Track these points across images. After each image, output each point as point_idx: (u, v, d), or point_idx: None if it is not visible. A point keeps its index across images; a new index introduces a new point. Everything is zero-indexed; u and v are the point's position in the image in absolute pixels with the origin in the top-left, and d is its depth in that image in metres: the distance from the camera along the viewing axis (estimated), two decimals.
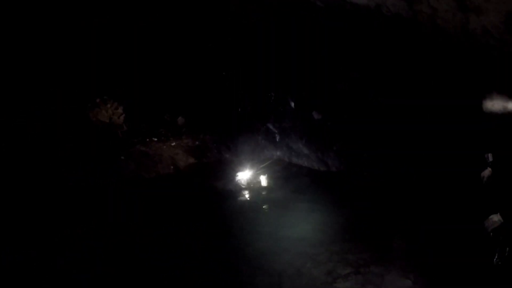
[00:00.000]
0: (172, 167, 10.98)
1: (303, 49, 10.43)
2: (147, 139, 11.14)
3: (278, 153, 11.65)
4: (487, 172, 6.16)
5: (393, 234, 6.94)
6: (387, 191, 8.68)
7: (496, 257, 5.72)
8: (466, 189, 7.61)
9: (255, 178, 10.25)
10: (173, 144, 11.42)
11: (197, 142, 11.74)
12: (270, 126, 11.60)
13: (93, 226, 7.53)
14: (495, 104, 6.32)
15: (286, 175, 10.35)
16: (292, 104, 11.19)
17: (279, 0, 9.32)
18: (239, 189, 9.73)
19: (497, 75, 6.50)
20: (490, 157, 6.17)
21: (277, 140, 11.68)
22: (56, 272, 6.21)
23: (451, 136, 8.22)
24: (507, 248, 5.52)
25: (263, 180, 10.03)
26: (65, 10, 9.82)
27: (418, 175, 8.62)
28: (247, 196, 9.35)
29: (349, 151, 10.34)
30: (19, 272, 6.12)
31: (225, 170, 10.90)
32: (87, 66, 10.15)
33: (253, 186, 9.76)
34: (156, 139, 11.26)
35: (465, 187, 7.69)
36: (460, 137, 7.88)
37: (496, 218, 5.08)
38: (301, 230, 7.67)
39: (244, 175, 10.41)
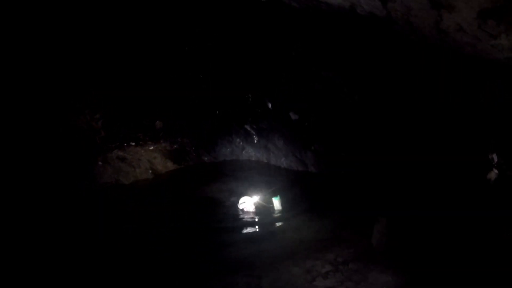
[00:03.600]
0: (150, 171, 10.94)
1: (279, 50, 10.48)
2: (125, 144, 11.03)
3: (257, 154, 11.68)
4: (493, 174, 6.18)
5: (372, 231, 6.97)
6: (365, 189, 8.75)
7: None
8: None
9: (235, 182, 10.17)
10: (151, 148, 11.35)
11: (175, 146, 11.69)
12: (248, 128, 11.62)
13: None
14: None
15: (265, 177, 10.31)
16: (270, 105, 11.22)
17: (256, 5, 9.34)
18: (219, 196, 9.58)
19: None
20: (495, 157, 6.16)
21: (255, 141, 11.70)
22: None
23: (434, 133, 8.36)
24: None
25: (242, 184, 9.89)
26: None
27: (396, 172, 8.74)
28: (226, 202, 9.20)
29: (326, 151, 10.41)
30: None
31: (203, 175, 10.88)
32: (65, 72, 10.01)
33: (232, 190, 9.64)
34: (134, 144, 11.16)
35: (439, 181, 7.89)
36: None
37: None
38: (281, 230, 7.85)
39: (224, 181, 10.38)
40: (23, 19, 9.18)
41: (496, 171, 6.05)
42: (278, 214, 8.43)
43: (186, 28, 10.89)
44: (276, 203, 8.55)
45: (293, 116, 10.89)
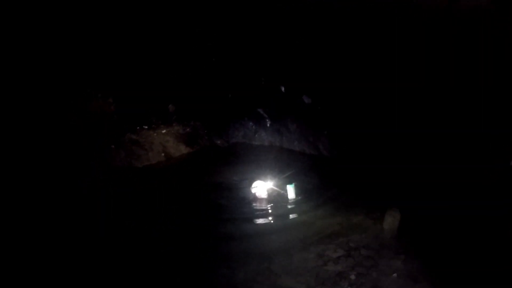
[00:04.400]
0: (163, 154, 10.92)
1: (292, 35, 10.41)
2: (138, 127, 11.05)
3: (270, 138, 11.61)
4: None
5: (384, 216, 6.92)
6: (378, 174, 8.67)
7: None
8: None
9: (247, 167, 10.05)
10: (164, 131, 11.34)
11: (188, 129, 11.68)
12: (261, 111, 11.56)
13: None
14: None
15: (278, 161, 10.23)
16: (283, 89, 11.15)
17: None
18: (232, 181, 9.35)
19: None
20: None
21: (268, 125, 11.64)
22: None
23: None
24: None
25: (255, 168, 9.62)
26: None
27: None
28: (239, 186, 8.96)
29: (339, 135, 10.33)
30: None
31: (215, 158, 10.85)
32: (77, 57, 10.02)
33: (245, 175, 9.53)
34: (146, 127, 11.17)
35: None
36: None
37: None
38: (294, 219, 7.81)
39: (236, 164, 10.26)
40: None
41: None
42: (292, 204, 8.16)
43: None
44: (290, 190, 8.24)
45: (306, 100, 10.82)
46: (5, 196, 7.62)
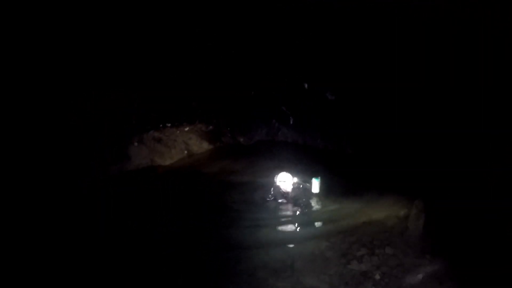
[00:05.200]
0: (185, 152, 10.95)
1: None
2: (160, 125, 11.08)
3: (293, 135, 11.54)
4: None
5: (409, 214, 6.81)
6: (402, 174, 8.51)
7: None
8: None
9: (271, 163, 9.96)
10: (187, 129, 11.37)
11: (210, 127, 11.69)
12: (284, 109, 11.49)
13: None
14: None
15: (302, 159, 10.10)
16: (306, 86, 11.05)
17: None
18: (254, 179, 9.16)
19: None
20: None
21: (291, 122, 11.57)
22: None
23: None
24: None
25: (278, 166, 9.25)
26: None
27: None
28: (261, 187, 8.66)
29: (363, 133, 10.19)
30: None
31: (238, 156, 10.80)
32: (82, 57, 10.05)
33: (268, 173, 9.29)
34: (169, 124, 11.20)
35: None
36: None
37: None
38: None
39: (259, 162, 10.20)
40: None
41: None
42: (317, 198, 8.06)
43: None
44: (315, 184, 8.06)
45: (330, 97, 10.71)
46: (5, 196, 7.54)
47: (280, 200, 7.97)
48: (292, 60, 10.90)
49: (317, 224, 7.29)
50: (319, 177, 8.13)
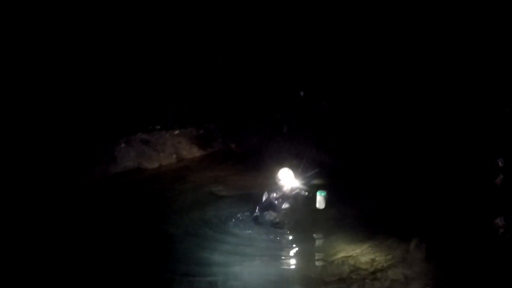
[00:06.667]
0: (175, 156, 10.60)
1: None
2: (149, 126, 10.72)
3: (286, 144, 11.16)
4: (499, 179, 5.75)
5: (411, 237, 6.48)
6: (394, 190, 8.21)
7: None
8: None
9: (261, 174, 9.10)
10: (176, 132, 11.02)
11: (201, 131, 11.37)
12: (278, 117, 11.13)
13: None
14: None
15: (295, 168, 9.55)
16: (302, 93, 10.76)
17: None
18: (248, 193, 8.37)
19: None
20: (501, 162, 5.73)
21: (285, 130, 11.22)
22: None
23: None
24: None
25: (270, 176, 7.77)
26: None
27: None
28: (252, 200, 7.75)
29: (359, 144, 9.89)
30: None
31: (229, 163, 10.39)
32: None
33: (259, 183, 8.41)
34: (158, 127, 10.84)
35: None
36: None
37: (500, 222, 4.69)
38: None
39: (250, 172, 9.69)
40: None
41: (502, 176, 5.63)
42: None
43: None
44: (321, 200, 6.76)
45: (326, 106, 10.42)
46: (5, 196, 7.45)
47: (269, 217, 6.96)
48: (288, 66, 10.68)
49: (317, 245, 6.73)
50: (325, 192, 6.80)
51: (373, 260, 6.04)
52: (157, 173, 9.79)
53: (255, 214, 7.10)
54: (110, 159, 9.75)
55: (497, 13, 7.32)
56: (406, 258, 6.14)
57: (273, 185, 7.10)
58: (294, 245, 6.62)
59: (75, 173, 9.06)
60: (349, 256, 6.15)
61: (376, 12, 9.10)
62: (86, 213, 7.53)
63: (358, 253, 6.23)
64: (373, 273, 5.74)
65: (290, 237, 6.79)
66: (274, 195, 7.03)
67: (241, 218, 7.34)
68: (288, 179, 7.01)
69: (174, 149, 10.74)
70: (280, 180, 7.01)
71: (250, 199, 7.84)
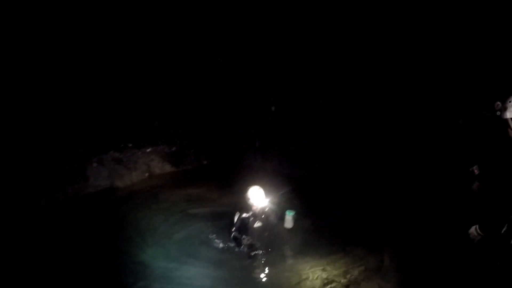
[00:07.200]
0: (147, 174, 10.50)
1: None
2: (121, 145, 10.59)
3: (261, 159, 11.12)
4: (475, 186, 5.82)
5: (385, 247, 6.52)
6: (367, 200, 8.33)
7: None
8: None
9: (235, 190, 8.86)
10: (149, 150, 10.91)
11: (173, 148, 11.28)
12: (253, 130, 11.08)
13: None
14: None
15: (276, 183, 9.34)
16: (273, 109, 10.79)
17: None
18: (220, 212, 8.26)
19: None
20: (476, 170, 5.79)
21: (257, 145, 11.20)
22: None
23: None
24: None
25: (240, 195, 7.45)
26: None
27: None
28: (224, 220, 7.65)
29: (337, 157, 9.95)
30: None
31: (202, 181, 10.27)
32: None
33: (235, 202, 8.35)
34: (130, 145, 10.72)
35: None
36: None
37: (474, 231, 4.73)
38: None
39: (222, 189, 9.55)
40: None
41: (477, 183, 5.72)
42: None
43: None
44: (289, 220, 6.77)
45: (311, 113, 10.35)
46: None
47: (244, 241, 6.73)
48: (258, 80, 10.69)
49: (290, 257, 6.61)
50: (294, 212, 6.78)
51: (345, 272, 6.05)
52: (130, 192, 9.62)
53: (232, 236, 6.92)
54: (82, 178, 9.59)
55: (497, 13, 7.46)
56: (380, 268, 6.17)
57: (244, 204, 6.93)
58: (267, 265, 6.51)
59: (45, 193, 8.85)
60: (323, 270, 6.15)
61: (376, 12, 9.15)
62: (54, 235, 7.35)
63: (331, 267, 6.24)
64: (347, 286, 5.75)
65: (264, 258, 6.67)
66: (245, 215, 6.89)
67: (213, 238, 7.26)
68: (258, 198, 6.81)
69: (147, 167, 10.64)
70: (249, 199, 6.83)
71: (223, 217, 7.74)
